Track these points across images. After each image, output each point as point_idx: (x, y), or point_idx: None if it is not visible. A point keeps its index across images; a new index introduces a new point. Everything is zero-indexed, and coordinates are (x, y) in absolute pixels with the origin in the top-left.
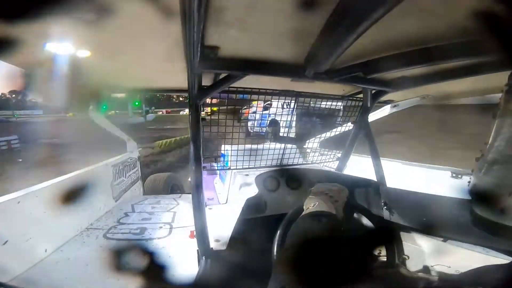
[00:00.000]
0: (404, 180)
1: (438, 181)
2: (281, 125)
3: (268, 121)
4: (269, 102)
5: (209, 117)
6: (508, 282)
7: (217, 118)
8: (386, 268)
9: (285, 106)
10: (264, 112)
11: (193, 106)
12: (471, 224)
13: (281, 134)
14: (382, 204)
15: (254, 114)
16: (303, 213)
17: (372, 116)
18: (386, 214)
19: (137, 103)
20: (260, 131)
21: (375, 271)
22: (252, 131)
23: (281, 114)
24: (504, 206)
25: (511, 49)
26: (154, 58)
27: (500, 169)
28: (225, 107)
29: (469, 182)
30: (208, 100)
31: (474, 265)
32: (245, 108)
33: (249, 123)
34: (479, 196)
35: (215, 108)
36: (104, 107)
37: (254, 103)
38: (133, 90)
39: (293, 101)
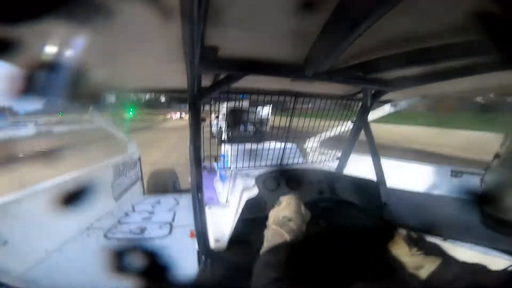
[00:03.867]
0: (403, 179)
1: (438, 180)
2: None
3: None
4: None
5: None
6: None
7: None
8: (384, 268)
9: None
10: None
11: (193, 107)
12: (480, 223)
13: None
14: (382, 204)
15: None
16: (261, 250)
17: (372, 116)
18: (386, 214)
19: None
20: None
21: (373, 272)
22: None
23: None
24: None
25: (510, 48)
26: (153, 58)
27: None
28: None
29: (481, 181)
30: None
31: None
32: None
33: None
34: (492, 195)
35: None
36: (132, 110)
37: None
38: (133, 90)
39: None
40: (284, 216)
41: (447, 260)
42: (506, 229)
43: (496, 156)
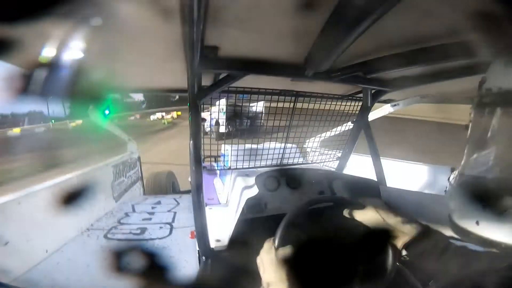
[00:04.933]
0: (403, 179)
1: (438, 180)
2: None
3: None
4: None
5: None
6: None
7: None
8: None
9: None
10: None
11: (193, 106)
12: (452, 232)
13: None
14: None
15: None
16: None
17: (372, 116)
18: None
19: None
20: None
21: (373, 271)
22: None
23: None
24: (478, 218)
25: (510, 48)
26: (154, 58)
27: (472, 182)
28: None
29: (445, 191)
30: None
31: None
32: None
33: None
34: (455, 206)
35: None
36: (110, 110)
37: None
38: (133, 90)
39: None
40: (266, 282)
41: (424, 228)
42: (468, 237)
43: (455, 168)
